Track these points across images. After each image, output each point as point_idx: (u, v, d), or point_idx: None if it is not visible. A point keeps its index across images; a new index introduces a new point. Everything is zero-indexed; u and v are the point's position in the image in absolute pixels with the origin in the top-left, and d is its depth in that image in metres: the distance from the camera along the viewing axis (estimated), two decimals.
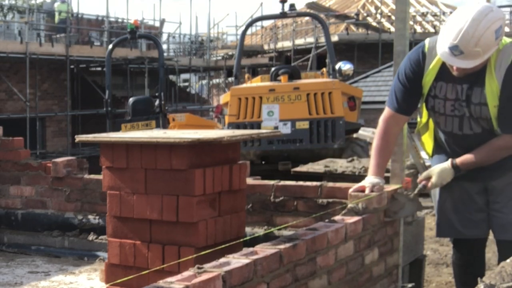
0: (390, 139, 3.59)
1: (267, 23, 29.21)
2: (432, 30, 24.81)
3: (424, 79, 3.49)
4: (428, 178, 3.53)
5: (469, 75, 3.36)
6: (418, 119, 3.76)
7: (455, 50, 3.21)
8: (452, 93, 3.45)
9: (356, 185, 3.51)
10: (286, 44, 26.81)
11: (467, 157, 3.49)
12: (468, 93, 3.41)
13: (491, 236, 3.78)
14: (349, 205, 3.30)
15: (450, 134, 3.57)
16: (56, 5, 22.03)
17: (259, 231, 4.07)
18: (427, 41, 3.51)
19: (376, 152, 3.57)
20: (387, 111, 3.61)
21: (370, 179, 3.47)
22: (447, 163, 3.50)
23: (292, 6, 10.97)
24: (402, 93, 3.54)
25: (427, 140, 3.80)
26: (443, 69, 3.43)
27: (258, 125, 9.77)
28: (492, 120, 3.40)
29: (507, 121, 3.38)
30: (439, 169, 3.51)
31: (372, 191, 3.40)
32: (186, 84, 30.77)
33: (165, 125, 10.48)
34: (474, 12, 3.17)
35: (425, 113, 3.66)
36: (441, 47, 3.29)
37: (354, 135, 10.81)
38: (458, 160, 3.48)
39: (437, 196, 3.75)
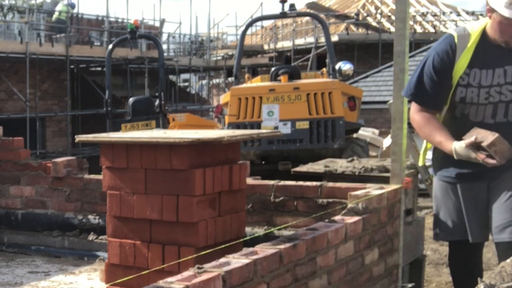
0: (435, 121, 3.58)
1: (267, 23, 29.22)
2: (432, 30, 24.80)
3: (456, 68, 3.47)
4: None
5: (509, 55, 3.36)
6: (438, 116, 3.73)
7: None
8: (487, 79, 3.43)
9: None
10: (286, 44, 26.80)
11: None
12: (505, 74, 3.39)
13: (491, 236, 3.77)
14: (349, 205, 3.30)
15: (479, 125, 3.51)
16: (59, 5, 22.02)
17: (259, 231, 4.07)
18: (454, 32, 3.52)
19: (435, 130, 3.55)
20: (415, 106, 3.61)
21: (461, 144, 3.44)
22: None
23: (292, 6, 10.96)
24: (431, 86, 3.53)
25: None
26: (477, 55, 3.41)
27: (258, 125, 9.76)
28: None
29: None
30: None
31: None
32: (186, 84, 30.75)
33: (165, 125, 10.48)
34: None
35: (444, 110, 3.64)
36: (500, 8, 3.26)
37: (354, 135, 10.80)
38: None
39: (438, 197, 3.74)
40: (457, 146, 3.45)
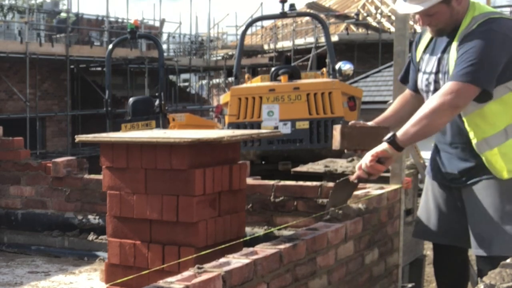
0: (396, 104, 3.59)
1: (267, 23, 29.20)
2: None
3: (417, 53, 3.50)
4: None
5: (444, 43, 3.32)
6: None
7: None
8: (429, 65, 3.41)
9: None
10: (286, 44, 26.80)
11: (406, 125, 3.21)
12: (439, 63, 3.35)
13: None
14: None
15: None
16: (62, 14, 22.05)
17: (259, 231, 4.08)
18: None
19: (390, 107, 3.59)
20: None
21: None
22: (384, 142, 3.24)
23: (292, 6, 10.95)
24: (406, 66, 3.60)
25: None
26: (430, 41, 3.42)
27: (258, 125, 9.76)
28: None
29: (454, 72, 3.20)
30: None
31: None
32: (186, 84, 30.77)
33: (165, 125, 10.47)
34: None
35: None
36: (397, 2, 3.33)
37: None
38: (398, 132, 3.21)
39: (423, 195, 3.70)
40: None
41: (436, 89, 3.31)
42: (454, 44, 3.25)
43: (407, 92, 3.61)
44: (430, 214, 3.59)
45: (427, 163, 3.96)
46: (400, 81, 3.63)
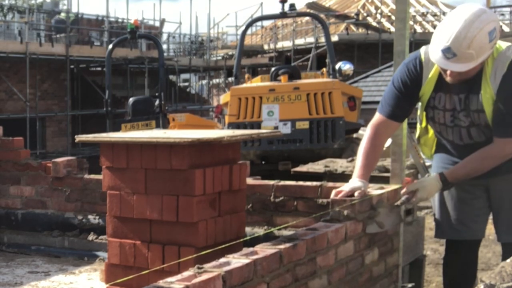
0: (378, 144, 3.51)
1: (267, 23, 29.21)
2: (432, 30, 24.77)
3: (423, 88, 3.45)
4: (414, 191, 3.43)
5: (465, 84, 3.32)
6: (418, 125, 3.74)
7: (448, 52, 3.15)
8: (450, 103, 3.43)
9: (337, 189, 3.36)
10: (286, 44, 26.80)
11: (456, 168, 3.43)
12: (466, 102, 3.38)
13: (492, 236, 3.77)
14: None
15: (452, 143, 3.56)
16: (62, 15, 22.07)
17: (259, 231, 4.08)
18: (422, 50, 3.47)
19: (363, 154, 3.46)
20: (378, 116, 3.55)
21: (351, 183, 3.37)
22: (435, 177, 3.43)
23: (292, 6, 10.96)
24: (397, 99, 3.49)
25: (427, 142, 3.78)
26: (441, 79, 3.38)
27: (258, 125, 9.76)
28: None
29: (500, 126, 3.32)
30: (426, 182, 3.46)
31: (351, 195, 3.26)
32: (186, 84, 30.76)
33: (165, 125, 10.47)
34: (467, 13, 3.12)
35: (424, 119, 3.65)
36: (434, 51, 3.23)
37: (354, 135, 10.80)
38: (447, 173, 3.42)
39: (437, 195, 3.74)
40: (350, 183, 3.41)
41: (473, 123, 3.40)
42: (487, 87, 3.30)
43: (379, 125, 3.54)
44: (451, 212, 3.65)
45: (428, 162, 3.99)
46: (390, 118, 3.53)
